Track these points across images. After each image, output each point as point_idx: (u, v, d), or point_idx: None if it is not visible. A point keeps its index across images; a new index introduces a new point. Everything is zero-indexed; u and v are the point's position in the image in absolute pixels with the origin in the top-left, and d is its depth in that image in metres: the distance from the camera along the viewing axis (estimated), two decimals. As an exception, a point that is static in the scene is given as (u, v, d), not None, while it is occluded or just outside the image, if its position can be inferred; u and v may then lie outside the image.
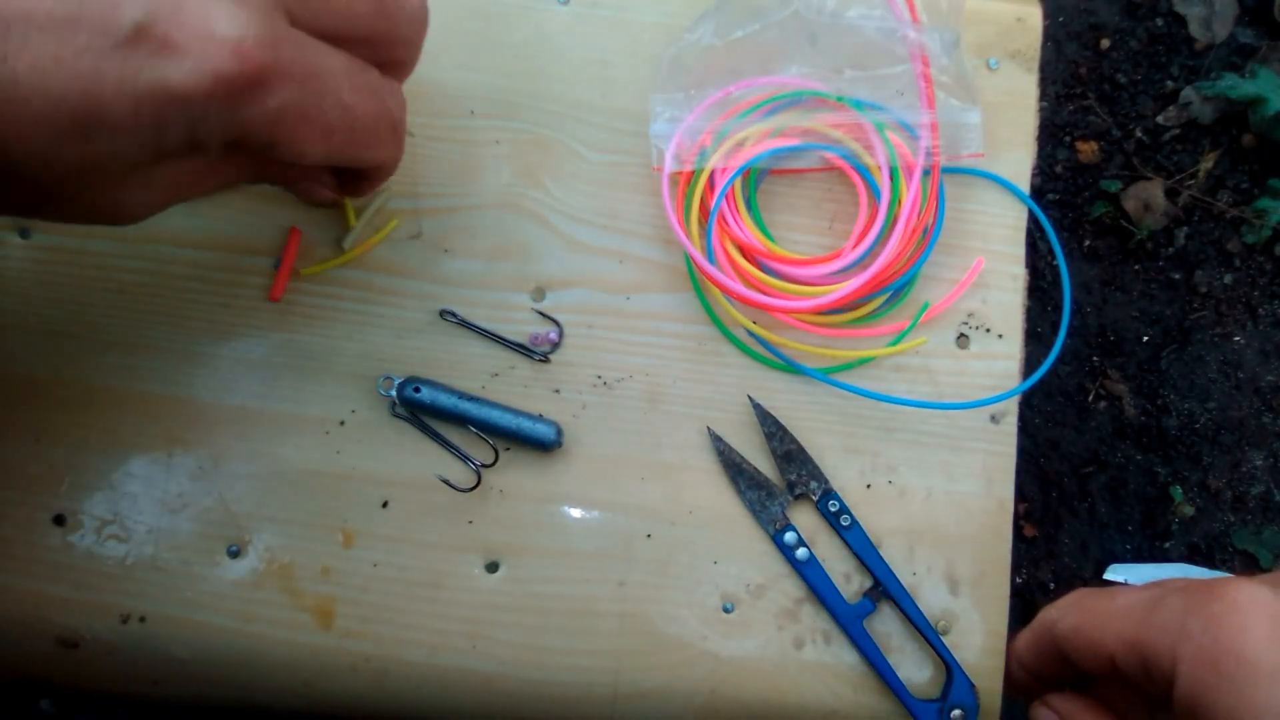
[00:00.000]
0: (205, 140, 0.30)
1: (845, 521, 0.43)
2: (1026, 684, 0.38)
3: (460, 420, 0.42)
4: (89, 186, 0.30)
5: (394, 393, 0.42)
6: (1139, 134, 1.19)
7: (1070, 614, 0.34)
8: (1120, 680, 0.32)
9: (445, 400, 0.42)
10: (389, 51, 0.35)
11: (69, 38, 0.26)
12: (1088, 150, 1.18)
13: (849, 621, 0.42)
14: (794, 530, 0.42)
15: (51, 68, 0.26)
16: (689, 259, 0.43)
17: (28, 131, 0.27)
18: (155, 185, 0.32)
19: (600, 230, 0.44)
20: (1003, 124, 0.46)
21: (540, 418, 0.42)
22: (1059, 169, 1.18)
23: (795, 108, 0.44)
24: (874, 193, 0.44)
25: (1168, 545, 1.09)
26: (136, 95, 0.28)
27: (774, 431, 0.43)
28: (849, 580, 0.43)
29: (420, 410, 0.42)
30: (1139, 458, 1.11)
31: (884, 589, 0.42)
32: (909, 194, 0.43)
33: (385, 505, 0.42)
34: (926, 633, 0.42)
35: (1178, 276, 1.16)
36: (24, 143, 0.27)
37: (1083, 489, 1.10)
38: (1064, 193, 1.18)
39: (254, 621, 0.41)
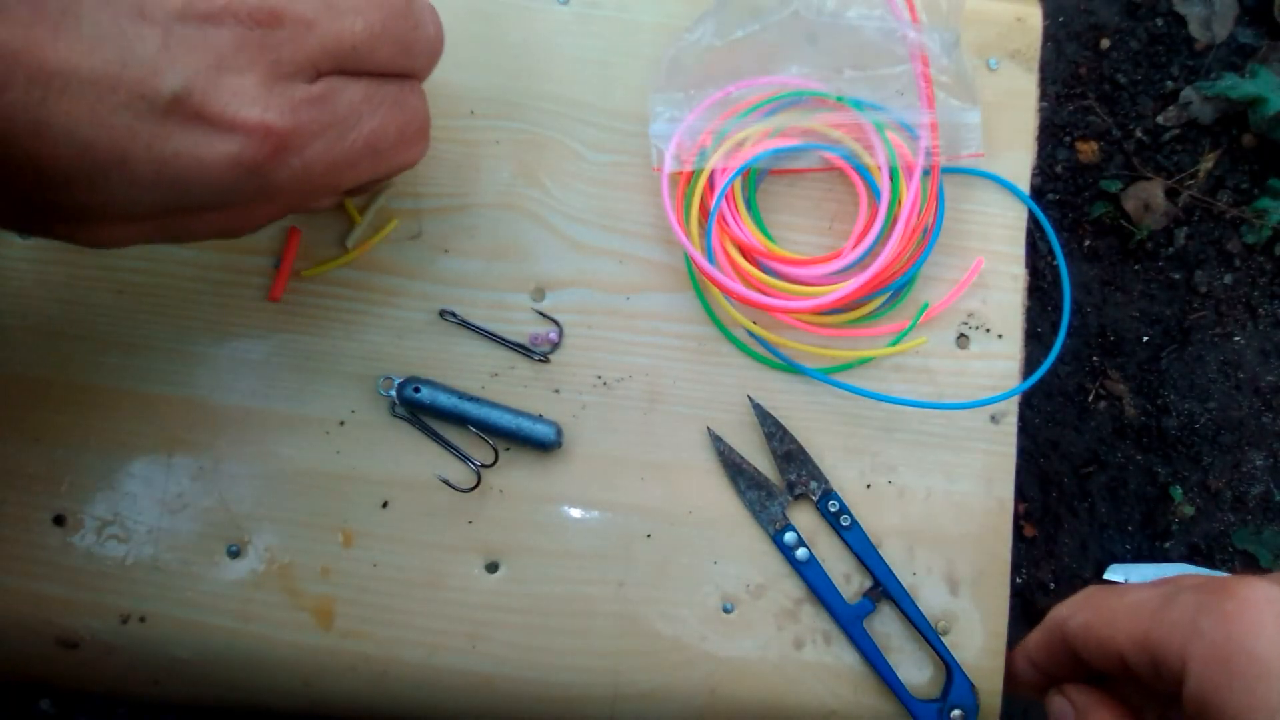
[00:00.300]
0: (228, 202, 0.31)
1: (845, 521, 0.43)
2: (1038, 683, 0.38)
3: (460, 420, 0.42)
4: (89, 220, 0.31)
5: (394, 393, 0.42)
6: (1139, 134, 1.19)
7: (1081, 612, 0.34)
8: (1132, 678, 0.32)
9: (445, 400, 0.42)
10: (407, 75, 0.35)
11: (107, 96, 0.27)
12: (1088, 150, 1.18)
13: (849, 622, 0.42)
14: (794, 530, 0.42)
15: (86, 117, 0.27)
16: (689, 259, 0.43)
17: (49, 165, 0.28)
18: (159, 228, 0.32)
19: (600, 230, 0.44)
20: (1003, 124, 0.46)
21: (540, 418, 0.42)
22: (1059, 169, 1.18)
23: (795, 108, 0.44)
24: (874, 193, 0.44)
25: (1168, 545, 1.09)
26: (163, 159, 0.29)
27: (774, 431, 0.43)
28: (849, 580, 0.43)
29: (420, 410, 0.42)
30: (1139, 458, 1.11)
31: (884, 589, 0.42)
32: (909, 194, 0.43)
33: (385, 505, 0.42)
34: (926, 633, 0.42)
35: (1178, 276, 1.16)
36: (43, 173, 0.28)
37: (1083, 489, 1.10)
38: (1064, 193, 1.18)
39: (254, 621, 0.41)
